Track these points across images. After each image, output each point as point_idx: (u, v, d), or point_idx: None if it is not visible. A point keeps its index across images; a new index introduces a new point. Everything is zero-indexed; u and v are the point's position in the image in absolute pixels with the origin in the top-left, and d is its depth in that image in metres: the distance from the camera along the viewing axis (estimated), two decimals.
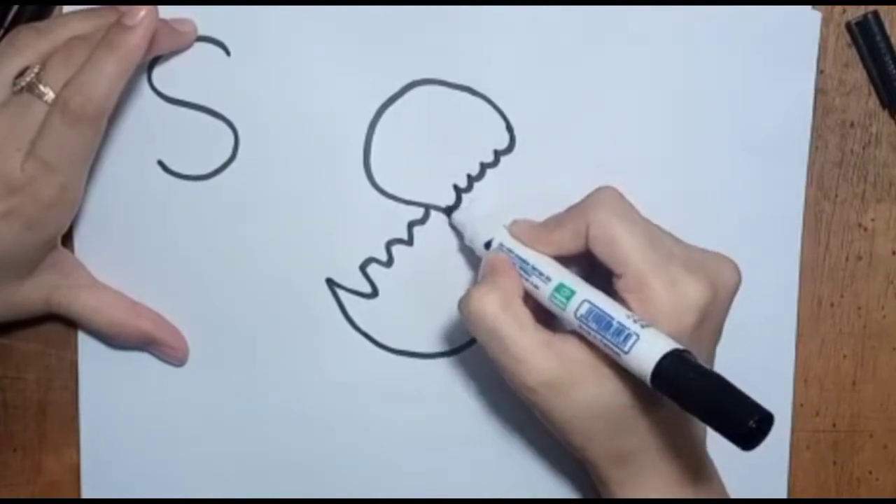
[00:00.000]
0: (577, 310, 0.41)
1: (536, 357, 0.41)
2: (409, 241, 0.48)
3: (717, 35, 0.47)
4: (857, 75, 0.48)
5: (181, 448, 0.49)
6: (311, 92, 0.47)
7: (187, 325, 0.48)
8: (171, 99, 0.47)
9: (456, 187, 0.48)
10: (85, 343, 0.48)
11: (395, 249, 0.48)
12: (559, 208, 0.45)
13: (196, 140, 0.47)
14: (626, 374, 0.40)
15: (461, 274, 0.48)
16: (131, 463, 0.49)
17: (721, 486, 0.44)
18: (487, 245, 0.45)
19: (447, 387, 0.48)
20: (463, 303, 0.42)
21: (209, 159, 0.47)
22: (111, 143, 0.47)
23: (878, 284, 0.50)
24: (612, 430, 0.42)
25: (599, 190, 0.43)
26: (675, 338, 0.39)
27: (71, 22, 0.44)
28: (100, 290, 0.47)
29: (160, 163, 0.47)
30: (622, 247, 0.41)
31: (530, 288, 0.43)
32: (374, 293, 0.48)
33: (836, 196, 0.49)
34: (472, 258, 0.47)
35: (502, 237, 0.45)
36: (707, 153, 0.48)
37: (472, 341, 0.48)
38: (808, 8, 0.47)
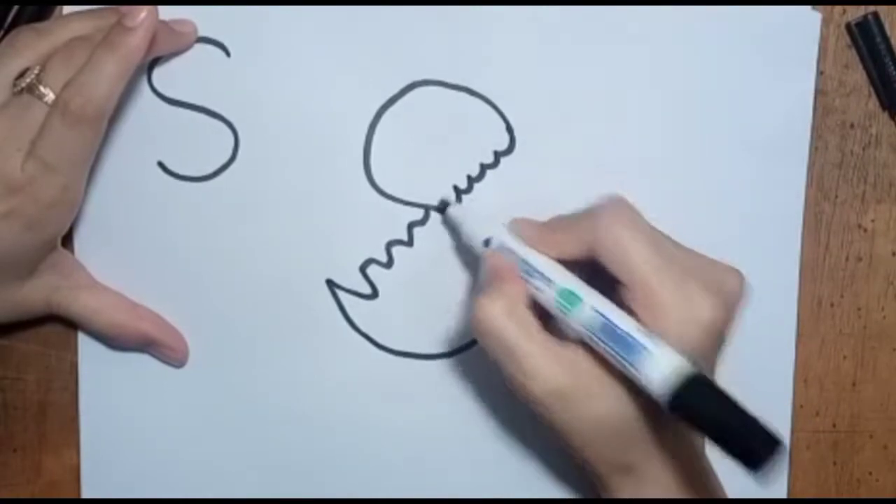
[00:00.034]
0: (584, 318, 0.40)
1: (543, 367, 0.40)
2: (409, 242, 0.48)
3: (717, 35, 0.47)
4: (857, 76, 0.48)
5: (181, 448, 0.49)
6: (311, 92, 0.47)
7: (187, 325, 0.48)
8: (171, 100, 0.47)
9: (456, 188, 0.48)
10: (85, 344, 0.48)
11: (395, 250, 0.48)
12: (559, 208, 0.45)
13: (196, 141, 0.47)
14: (633, 386, 0.40)
15: (461, 275, 0.48)
16: (131, 463, 0.49)
17: (721, 488, 0.44)
18: (487, 242, 0.44)
19: (447, 387, 0.48)
20: (468, 310, 0.42)
21: (209, 160, 0.47)
22: (111, 144, 0.47)
23: (877, 285, 0.50)
24: (616, 441, 0.41)
25: (608, 197, 0.42)
26: (682, 351, 0.38)
27: (71, 23, 0.44)
28: (100, 292, 0.47)
29: (160, 164, 0.47)
30: (632, 257, 0.41)
31: (532, 290, 0.42)
32: (374, 294, 0.48)
33: (836, 197, 0.49)
34: (471, 259, 0.47)
35: (502, 235, 0.44)
36: (707, 153, 0.48)
37: (472, 342, 0.48)
38: (808, 8, 0.47)
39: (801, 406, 0.50)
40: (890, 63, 0.47)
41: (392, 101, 0.47)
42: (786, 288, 0.49)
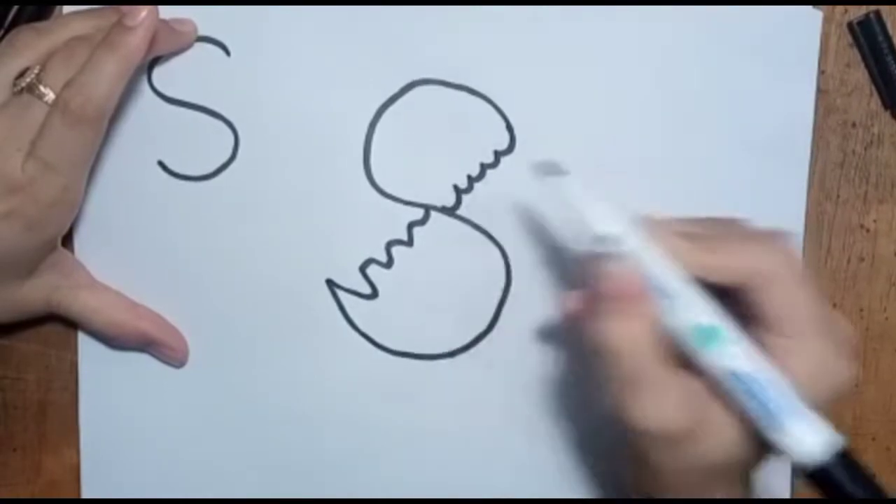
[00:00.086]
0: (723, 360, 0.37)
1: (667, 404, 0.37)
2: (409, 242, 0.48)
3: (718, 35, 0.47)
4: (859, 75, 0.48)
5: (181, 448, 0.49)
6: (311, 92, 0.47)
7: (187, 325, 0.48)
8: (171, 99, 0.47)
9: (456, 187, 0.48)
10: (85, 344, 0.48)
11: (395, 250, 0.48)
12: (560, 209, 0.45)
13: (196, 140, 0.47)
14: (750, 430, 0.37)
15: (461, 275, 0.48)
16: (131, 463, 0.49)
17: None
18: (606, 239, 0.38)
19: (447, 388, 0.48)
20: (596, 324, 0.38)
21: (209, 159, 0.47)
22: (111, 144, 0.47)
23: (880, 286, 0.50)
24: (707, 482, 0.38)
25: (779, 237, 0.39)
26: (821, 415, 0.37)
27: (71, 22, 0.45)
28: (100, 291, 0.47)
29: (160, 163, 0.47)
30: (807, 318, 0.38)
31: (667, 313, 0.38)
32: (374, 294, 0.48)
33: (838, 197, 0.49)
34: (471, 259, 0.47)
35: (634, 239, 0.38)
36: (707, 153, 0.48)
37: (473, 343, 0.48)
38: (809, 8, 0.47)
39: None
40: (892, 62, 0.47)
41: (392, 100, 0.47)
42: None
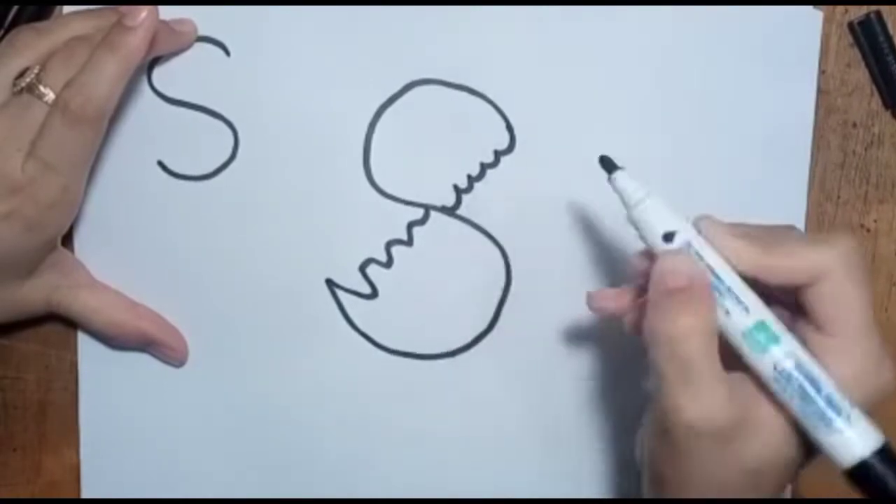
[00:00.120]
0: (779, 365, 0.37)
1: (716, 397, 0.36)
2: (409, 242, 0.48)
3: (718, 35, 0.47)
4: (859, 75, 0.48)
5: (181, 448, 0.49)
6: (311, 92, 0.47)
7: (187, 325, 0.48)
8: (171, 99, 0.47)
9: (456, 187, 0.48)
10: (85, 343, 0.48)
11: (395, 250, 0.48)
12: (560, 209, 0.45)
13: (196, 140, 0.47)
14: (795, 430, 0.37)
15: (461, 275, 0.48)
16: (131, 463, 0.49)
17: None
18: (668, 237, 0.38)
19: (447, 388, 0.48)
20: (653, 317, 0.38)
21: (209, 159, 0.47)
22: (111, 144, 0.47)
23: (881, 285, 0.49)
24: (756, 483, 0.38)
25: (842, 240, 0.38)
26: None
27: (71, 22, 0.45)
28: (100, 291, 0.47)
29: (160, 163, 0.47)
30: (857, 318, 0.37)
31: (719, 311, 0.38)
32: (374, 294, 0.48)
33: (839, 197, 0.49)
34: (471, 259, 0.47)
35: (693, 237, 0.38)
36: (708, 153, 0.48)
37: (473, 343, 0.48)
38: (809, 8, 0.47)
39: None
40: (892, 62, 0.47)
41: (392, 100, 0.47)
42: None
